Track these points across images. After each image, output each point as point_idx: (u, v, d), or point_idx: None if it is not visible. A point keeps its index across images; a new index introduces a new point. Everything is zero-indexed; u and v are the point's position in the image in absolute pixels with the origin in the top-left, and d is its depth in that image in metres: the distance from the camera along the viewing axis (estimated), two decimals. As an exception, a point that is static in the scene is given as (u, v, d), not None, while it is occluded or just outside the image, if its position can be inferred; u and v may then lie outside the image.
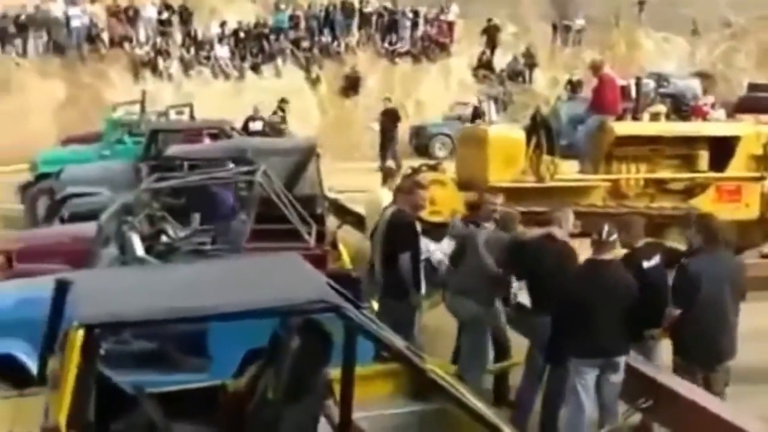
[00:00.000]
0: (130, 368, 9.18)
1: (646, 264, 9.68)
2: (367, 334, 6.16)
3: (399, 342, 6.60)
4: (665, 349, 9.68)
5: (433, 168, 19.23)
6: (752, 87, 45.59)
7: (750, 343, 9.92)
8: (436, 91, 40.24)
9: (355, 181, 17.76)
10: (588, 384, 9.04)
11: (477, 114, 33.10)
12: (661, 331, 9.45)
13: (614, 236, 9.16)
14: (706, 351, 9.23)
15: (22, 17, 36.28)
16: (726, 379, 9.48)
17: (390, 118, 32.45)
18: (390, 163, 28.84)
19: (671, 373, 9.24)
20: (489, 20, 43.79)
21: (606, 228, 9.12)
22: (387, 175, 15.00)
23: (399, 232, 11.12)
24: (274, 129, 28.97)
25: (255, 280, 6.70)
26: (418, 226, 11.48)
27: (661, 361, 9.65)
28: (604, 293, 8.94)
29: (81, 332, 5.78)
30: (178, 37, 38.66)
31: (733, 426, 7.93)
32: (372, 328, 6.20)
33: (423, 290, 11.14)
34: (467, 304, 10.70)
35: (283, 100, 32.87)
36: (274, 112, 31.81)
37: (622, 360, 9.14)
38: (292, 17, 40.86)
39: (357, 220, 16.64)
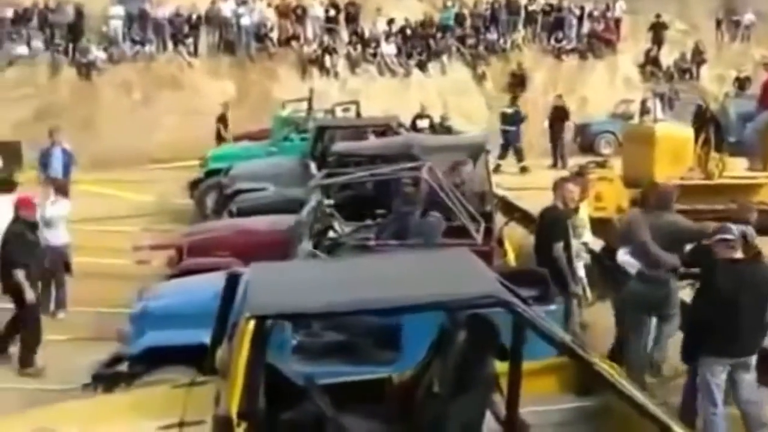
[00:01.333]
0: (320, 360, 9.41)
1: None
2: (535, 328, 6.16)
3: (566, 337, 6.58)
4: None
5: (601, 165, 19.13)
6: None
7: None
8: (602, 89, 39.74)
9: (523, 179, 17.66)
10: (720, 382, 8.91)
11: (644, 111, 32.67)
12: None
13: (755, 235, 8.99)
14: None
15: (194, 16, 37.10)
16: None
17: (559, 116, 32.38)
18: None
19: None
20: (656, 16, 43.04)
21: (743, 229, 9.00)
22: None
23: (547, 226, 11.78)
24: (443, 126, 28.97)
25: (425, 275, 6.77)
26: (569, 220, 11.72)
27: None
28: (748, 293, 8.76)
29: (252, 323, 5.92)
30: (344, 35, 38.96)
31: None
32: (540, 323, 6.20)
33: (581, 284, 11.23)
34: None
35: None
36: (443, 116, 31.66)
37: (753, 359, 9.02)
38: (458, 15, 40.75)
39: (523, 217, 16.57)
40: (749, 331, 8.81)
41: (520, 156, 30.65)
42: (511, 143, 30.82)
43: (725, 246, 8.95)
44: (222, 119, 30.19)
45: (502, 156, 29.77)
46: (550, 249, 11.52)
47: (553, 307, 9.58)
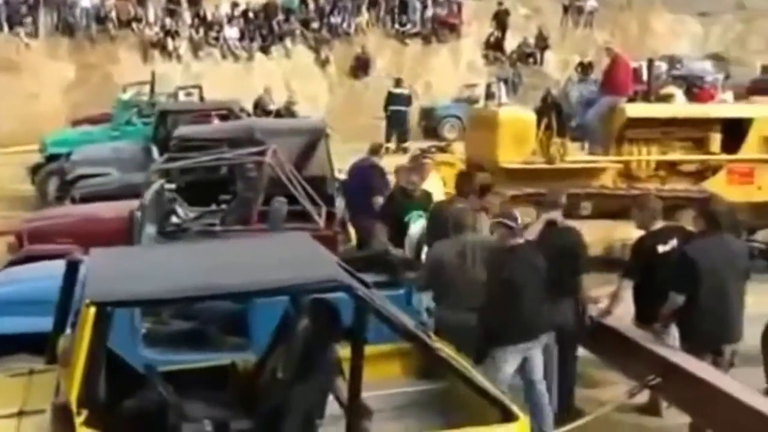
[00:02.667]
0: (170, 348, 9.31)
1: (661, 248, 9.65)
2: (376, 312, 6.17)
3: (408, 321, 6.62)
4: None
5: (443, 150, 19.25)
6: (766, 69, 45.64)
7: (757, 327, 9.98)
8: (446, 73, 40.13)
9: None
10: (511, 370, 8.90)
11: (489, 95, 33.12)
12: (663, 318, 9.38)
13: (519, 221, 9.06)
14: (711, 334, 9.20)
15: (33, -3, 36.24)
16: (731, 360, 9.49)
17: (402, 100, 32.68)
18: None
19: (679, 350, 9.24)
20: (499, 3, 43.69)
21: (512, 212, 9.09)
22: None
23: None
24: (288, 110, 28.94)
25: (266, 259, 6.75)
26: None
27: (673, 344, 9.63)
28: (532, 277, 8.84)
29: (93, 310, 5.82)
30: (187, 17, 38.58)
31: (738, 401, 7.94)
32: (381, 308, 6.21)
33: None
34: None
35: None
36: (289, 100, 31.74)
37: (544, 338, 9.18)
38: (303, -1, 40.85)
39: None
40: (535, 313, 8.89)
41: (404, 138, 30.85)
42: (399, 125, 31.03)
43: (507, 232, 8.97)
44: None
45: (388, 138, 29.92)
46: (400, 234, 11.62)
47: (400, 291, 9.62)
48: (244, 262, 6.73)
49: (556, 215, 10.13)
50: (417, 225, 11.60)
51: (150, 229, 11.26)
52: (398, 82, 33.18)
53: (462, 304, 9.01)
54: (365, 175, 14.36)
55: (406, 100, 32.40)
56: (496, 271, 8.89)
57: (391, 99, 32.03)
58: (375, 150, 15.28)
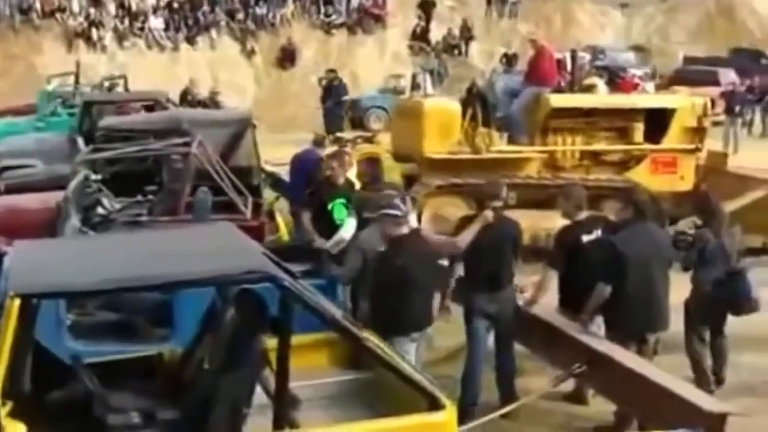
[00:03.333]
0: (95, 339, 9.25)
1: (585, 238, 9.75)
2: (302, 303, 6.19)
3: (335, 311, 6.65)
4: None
5: (369, 140, 19.28)
6: (687, 60, 46.39)
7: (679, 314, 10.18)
8: (372, 64, 40.20)
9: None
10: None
11: (414, 86, 33.27)
12: (589, 311, 9.45)
13: (404, 209, 9.08)
14: (637, 324, 9.36)
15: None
16: (655, 348, 9.65)
17: (336, 91, 32.92)
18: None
19: (604, 339, 9.36)
20: (425, -8, 43.97)
21: (396, 202, 9.08)
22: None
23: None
24: (213, 101, 28.85)
25: (191, 250, 6.72)
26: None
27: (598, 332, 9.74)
28: (417, 266, 8.83)
29: (17, 302, 5.78)
30: (111, 8, 38.26)
31: (663, 388, 8.08)
32: (308, 298, 6.22)
33: None
34: None
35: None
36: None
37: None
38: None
39: (278, 187, 16.55)
40: (421, 303, 8.97)
41: (340, 127, 30.92)
42: (337, 114, 31.12)
43: (392, 222, 8.94)
44: None
45: (329, 130, 29.98)
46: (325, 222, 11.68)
47: (325, 281, 9.64)
48: (170, 252, 6.69)
49: (498, 206, 10.17)
50: (348, 226, 11.46)
51: (74, 221, 11.17)
52: (330, 72, 33.28)
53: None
54: (310, 169, 14.32)
55: (344, 90, 32.50)
56: (382, 261, 8.93)
57: (328, 91, 32.07)
58: (319, 142, 15.33)
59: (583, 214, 10.02)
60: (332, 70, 34.16)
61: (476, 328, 9.70)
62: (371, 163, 12.69)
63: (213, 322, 7.13)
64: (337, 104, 31.95)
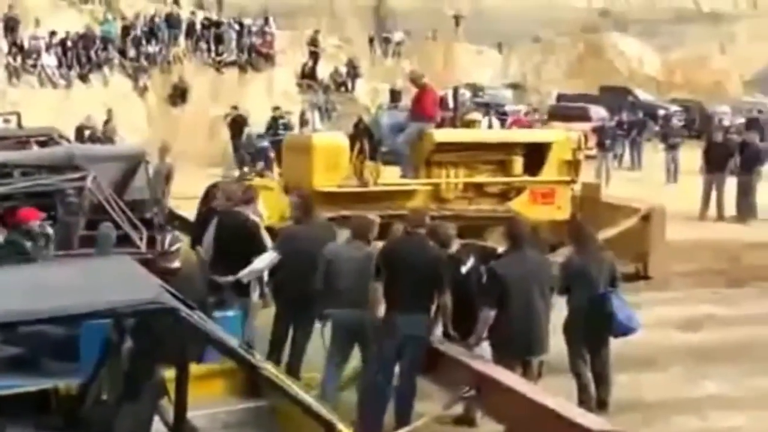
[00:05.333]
0: None
1: (464, 268, 10.11)
2: (200, 333, 6.25)
3: (233, 341, 6.76)
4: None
5: (260, 174, 19.48)
6: (561, 97, 47.82)
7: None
8: (261, 101, 40.27)
9: (181, 187, 17.77)
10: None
11: (303, 122, 33.66)
12: (477, 336, 9.79)
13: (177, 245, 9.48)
14: (518, 346, 9.74)
15: None
16: (539, 370, 10.00)
17: (238, 126, 34.00)
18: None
19: (492, 363, 9.65)
20: (315, 31, 44.29)
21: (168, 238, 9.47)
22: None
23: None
24: (107, 137, 28.75)
25: (89, 283, 6.66)
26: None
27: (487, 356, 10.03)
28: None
29: None
30: (3, 45, 37.84)
31: (548, 409, 8.39)
32: (205, 328, 6.30)
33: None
34: None
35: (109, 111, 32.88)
36: (107, 122, 31.59)
37: None
38: (125, 27, 40.65)
39: (184, 225, 16.63)
40: None
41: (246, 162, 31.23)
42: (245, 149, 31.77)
43: (164, 259, 9.37)
44: None
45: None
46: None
47: (230, 312, 9.78)
48: (65, 285, 6.51)
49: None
50: (265, 257, 11.50)
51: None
52: (276, 109, 34.73)
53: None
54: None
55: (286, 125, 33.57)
56: None
57: (274, 125, 33.06)
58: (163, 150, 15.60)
59: (455, 246, 10.38)
60: (234, 107, 34.99)
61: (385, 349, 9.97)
62: (302, 196, 12.74)
63: (110, 354, 7.18)
64: (246, 139, 32.25)
